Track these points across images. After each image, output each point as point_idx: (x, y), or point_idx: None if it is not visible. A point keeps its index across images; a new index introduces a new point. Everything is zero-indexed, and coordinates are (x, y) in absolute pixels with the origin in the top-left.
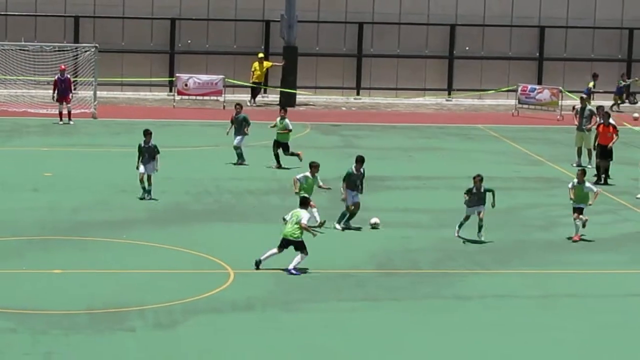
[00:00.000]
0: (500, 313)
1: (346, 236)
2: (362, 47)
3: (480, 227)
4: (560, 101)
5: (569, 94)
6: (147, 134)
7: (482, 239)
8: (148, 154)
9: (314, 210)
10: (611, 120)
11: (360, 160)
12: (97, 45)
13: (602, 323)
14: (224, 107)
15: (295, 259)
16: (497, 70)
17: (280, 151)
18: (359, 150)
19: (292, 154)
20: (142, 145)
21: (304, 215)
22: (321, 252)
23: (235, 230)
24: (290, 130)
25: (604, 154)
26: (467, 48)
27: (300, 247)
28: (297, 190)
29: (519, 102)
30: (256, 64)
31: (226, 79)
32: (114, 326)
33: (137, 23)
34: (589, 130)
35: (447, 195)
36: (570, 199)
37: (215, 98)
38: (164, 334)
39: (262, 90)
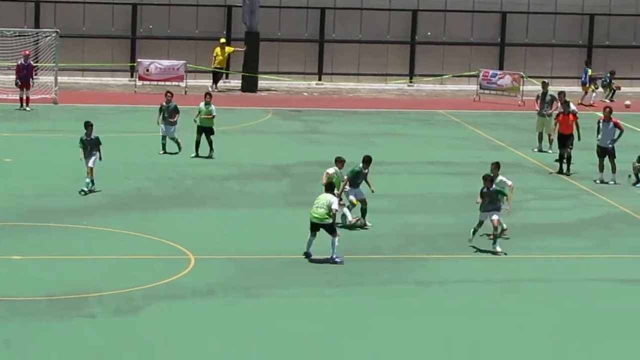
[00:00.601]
0: (462, 298)
1: (307, 221)
2: (324, 33)
3: (495, 238)
4: (521, 86)
5: (530, 79)
6: (88, 126)
7: (498, 249)
8: (90, 146)
9: (345, 209)
10: (572, 106)
11: (367, 161)
12: (58, 30)
13: (563, 308)
14: (185, 92)
15: (333, 246)
16: (459, 56)
17: (203, 137)
18: (321, 135)
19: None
20: (84, 137)
21: (333, 200)
22: (283, 237)
23: (195, 216)
24: (214, 116)
25: (565, 142)
26: (429, 33)
27: (330, 230)
28: (324, 182)
29: (481, 88)
30: (218, 50)
31: (188, 65)
32: (74, 312)
33: (99, 8)
34: (550, 115)
35: (408, 181)
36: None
37: (176, 83)
38: (124, 320)
39: (224, 75)
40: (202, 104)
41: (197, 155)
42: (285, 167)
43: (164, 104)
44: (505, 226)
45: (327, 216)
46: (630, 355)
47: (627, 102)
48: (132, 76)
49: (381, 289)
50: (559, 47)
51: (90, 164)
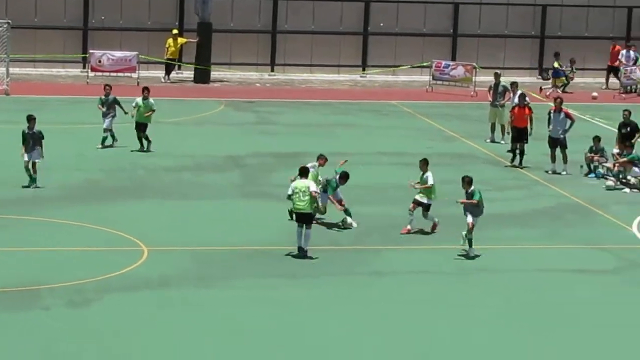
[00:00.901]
0: (416, 289)
1: (263, 212)
2: (277, 24)
3: (466, 238)
4: (474, 77)
5: (483, 70)
6: (31, 119)
7: (463, 244)
8: (32, 140)
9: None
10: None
11: (345, 177)
12: (9, 21)
13: (515, 298)
14: (138, 83)
15: (307, 238)
16: (412, 47)
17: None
18: (274, 126)
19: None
20: (26, 131)
21: (311, 184)
22: (236, 228)
23: (149, 207)
24: (154, 111)
25: (520, 136)
26: (381, 24)
27: (309, 220)
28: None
29: (433, 79)
30: (170, 41)
31: (140, 56)
32: (27, 305)
33: None
34: (503, 106)
35: (360, 172)
36: (412, 186)
37: (129, 75)
38: (77, 312)
39: (177, 66)
40: (139, 99)
41: (143, 150)
42: (238, 158)
43: (103, 97)
44: (437, 219)
45: (309, 203)
46: (583, 346)
47: (594, 94)
48: (84, 67)
49: (336, 279)
50: (511, 38)
51: (31, 158)
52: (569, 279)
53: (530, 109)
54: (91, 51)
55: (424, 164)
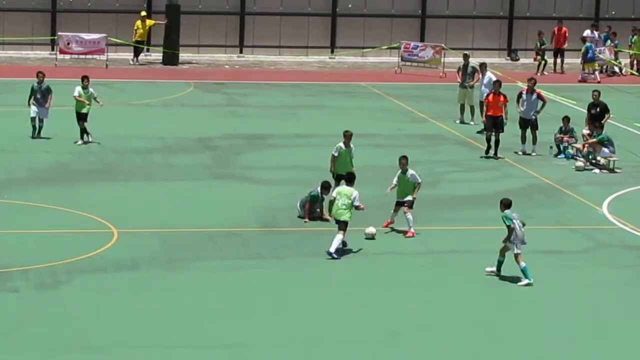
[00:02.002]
0: (385, 269)
1: (233, 194)
2: (245, 5)
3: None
4: (442, 58)
5: (452, 51)
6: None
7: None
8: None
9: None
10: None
11: (326, 187)
12: None
13: (485, 279)
14: (106, 66)
15: (337, 242)
16: (380, 28)
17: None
18: (243, 108)
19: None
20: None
21: (355, 195)
22: (205, 210)
23: (119, 190)
24: (95, 99)
25: (496, 125)
26: (349, 6)
27: (344, 227)
28: (332, 169)
29: (402, 60)
30: (139, 23)
31: (109, 38)
32: None
33: None
34: (472, 87)
35: (329, 153)
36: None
37: (97, 57)
38: (47, 294)
39: (145, 49)
40: (79, 88)
41: (84, 142)
42: (208, 140)
43: (36, 84)
44: (414, 229)
45: (348, 212)
46: (554, 325)
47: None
48: (52, 49)
49: (303, 261)
50: (479, 19)
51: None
52: (537, 260)
53: (505, 96)
54: (60, 33)
55: (405, 160)
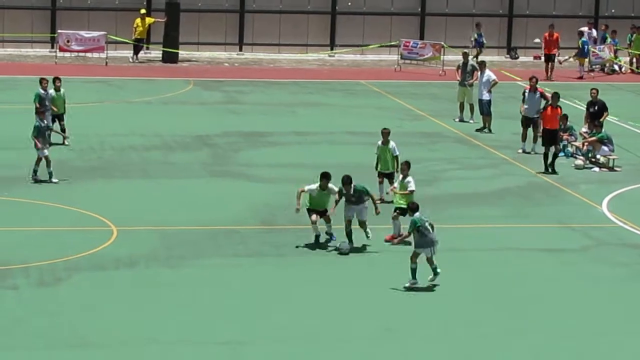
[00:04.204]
0: (381, 268)
1: (231, 192)
2: (245, 3)
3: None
4: (442, 56)
5: (451, 49)
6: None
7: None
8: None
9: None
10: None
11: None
12: None
13: (483, 277)
14: (106, 63)
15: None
16: (380, 26)
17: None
18: (242, 105)
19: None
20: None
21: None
22: (204, 208)
23: (118, 187)
24: (64, 101)
25: (553, 139)
26: (349, 3)
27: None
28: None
29: (402, 58)
30: (138, 20)
31: (108, 36)
32: None
33: None
34: (471, 85)
35: (329, 151)
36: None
37: (97, 55)
38: (47, 292)
39: (145, 47)
40: (51, 91)
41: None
42: (206, 137)
43: (42, 92)
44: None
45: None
46: (552, 323)
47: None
48: (52, 47)
49: (302, 259)
50: (479, 17)
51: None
52: (536, 258)
53: (561, 109)
54: (59, 31)
55: (407, 166)
